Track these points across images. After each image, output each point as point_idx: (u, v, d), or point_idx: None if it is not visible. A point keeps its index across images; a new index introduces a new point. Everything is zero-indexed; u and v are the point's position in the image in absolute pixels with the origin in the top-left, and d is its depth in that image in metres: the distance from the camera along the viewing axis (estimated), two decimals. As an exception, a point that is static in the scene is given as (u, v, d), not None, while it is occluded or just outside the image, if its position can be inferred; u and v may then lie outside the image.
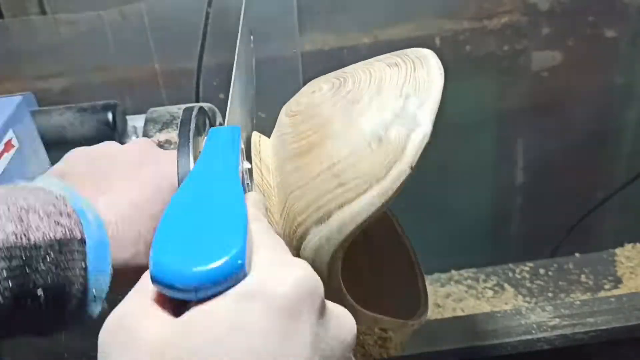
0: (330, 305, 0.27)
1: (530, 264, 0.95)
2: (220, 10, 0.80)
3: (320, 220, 0.38)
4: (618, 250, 0.94)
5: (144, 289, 0.26)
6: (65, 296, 0.34)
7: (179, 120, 0.44)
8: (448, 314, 0.83)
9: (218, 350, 0.22)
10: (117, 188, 0.38)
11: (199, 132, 0.45)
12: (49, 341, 0.40)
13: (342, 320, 0.28)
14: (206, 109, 0.51)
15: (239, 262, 0.24)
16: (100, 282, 0.35)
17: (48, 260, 0.32)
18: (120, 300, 0.27)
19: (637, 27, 0.88)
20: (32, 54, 0.79)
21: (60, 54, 0.80)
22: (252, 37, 0.48)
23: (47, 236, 0.32)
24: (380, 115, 0.37)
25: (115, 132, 0.60)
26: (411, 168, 0.36)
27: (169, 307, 0.25)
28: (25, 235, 0.32)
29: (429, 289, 0.82)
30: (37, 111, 0.60)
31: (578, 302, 0.69)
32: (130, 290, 0.35)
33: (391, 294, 0.52)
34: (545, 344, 0.64)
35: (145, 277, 0.26)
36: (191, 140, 0.42)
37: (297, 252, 0.41)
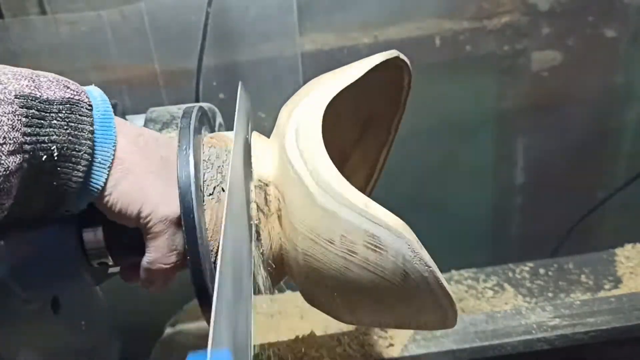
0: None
1: (530, 264, 0.95)
2: (220, 10, 0.80)
3: None
4: (618, 250, 0.93)
5: None
6: (75, 158, 0.36)
7: (179, 120, 0.44)
8: (448, 314, 0.83)
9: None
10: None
11: (199, 132, 0.45)
12: (46, 343, 0.40)
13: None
14: (206, 108, 0.51)
15: None
16: (105, 150, 0.38)
17: (60, 117, 0.35)
18: None
19: (637, 27, 0.88)
20: (32, 54, 0.79)
21: (60, 54, 0.80)
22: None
23: (58, 94, 0.36)
24: None
25: (115, 132, 0.60)
26: None
27: None
28: (38, 89, 0.35)
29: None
30: (37, 111, 0.60)
31: (578, 302, 0.69)
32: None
33: None
34: (545, 344, 0.64)
35: None
36: (191, 140, 0.42)
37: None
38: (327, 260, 0.39)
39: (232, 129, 0.45)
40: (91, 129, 0.37)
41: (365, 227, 0.37)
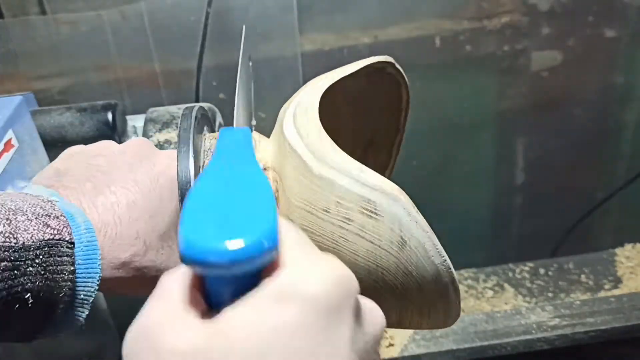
0: (362, 300, 0.27)
1: (530, 264, 0.95)
2: (220, 10, 0.80)
3: None
4: (618, 250, 0.94)
5: (167, 294, 0.24)
6: (53, 300, 0.33)
7: (178, 120, 0.44)
8: (448, 314, 0.83)
9: (258, 353, 0.21)
10: (115, 188, 0.38)
11: (199, 132, 0.45)
12: (46, 343, 0.40)
13: (375, 315, 0.28)
14: (206, 108, 0.51)
15: (273, 238, 0.23)
16: (88, 286, 0.35)
17: (37, 263, 0.31)
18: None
19: (637, 27, 0.88)
20: (32, 54, 0.79)
21: (60, 54, 0.80)
22: (250, 64, 0.49)
23: (36, 237, 0.32)
24: None
25: (115, 132, 0.60)
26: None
27: (196, 313, 0.23)
28: (13, 236, 0.31)
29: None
30: (37, 111, 0.60)
31: (578, 302, 0.69)
32: (135, 292, 0.35)
33: None
34: (545, 344, 0.64)
35: (166, 280, 0.25)
36: (191, 140, 0.42)
37: None
38: (324, 232, 0.39)
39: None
40: (72, 268, 0.33)
41: (361, 192, 0.36)
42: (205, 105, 0.57)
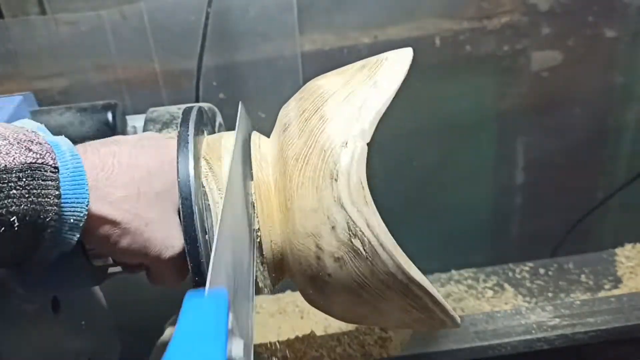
0: None
1: (530, 264, 0.95)
2: (220, 10, 0.80)
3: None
4: (618, 250, 0.93)
5: None
6: (40, 224, 0.34)
7: (178, 120, 0.44)
8: (448, 314, 0.83)
9: None
10: (120, 145, 0.40)
11: (199, 132, 0.45)
12: (46, 343, 0.40)
13: None
14: (206, 108, 0.51)
15: None
16: (77, 212, 0.36)
17: (20, 185, 0.32)
18: None
19: (637, 27, 0.88)
20: (32, 54, 0.79)
21: (60, 54, 0.80)
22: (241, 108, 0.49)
23: (18, 160, 0.33)
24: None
25: (115, 132, 0.60)
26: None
27: None
28: None
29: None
30: (37, 111, 0.60)
31: (578, 302, 0.69)
32: (119, 245, 0.38)
33: None
34: (545, 344, 0.64)
35: None
36: (191, 140, 0.42)
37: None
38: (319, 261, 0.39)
39: (232, 129, 0.45)
40: (57, 193, 0.34)
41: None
42: (205, 105, 0.57)
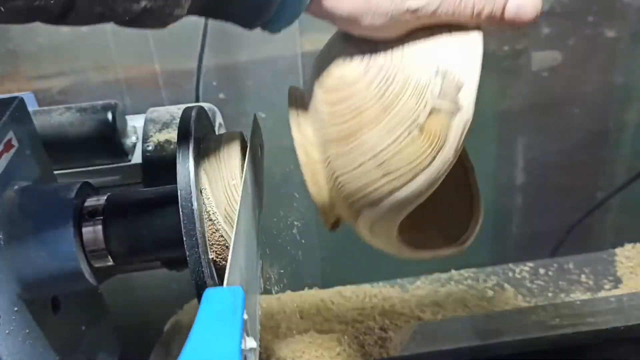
0: None
1: (530, 264, 0.94)
2: (220, 10, 0.80)
3: (371, 205, 0.39)
4: (618, 250, 0.93)
5: None
6: None
7: (178, 120, 0.44)
8: (448, 314, 0.83)
9: None
10: None
11: (199, 132, 0.45)
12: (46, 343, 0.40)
13: None
14: (206, 108, 0.51)
15: None
16: None
17: None
18: None
19: (637, 27, 0.88)
20: (32, 54, 0.79)
21: (60, 54, 0.80)
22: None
23: None
24: (417, 99, 0.35)
25: (115, 132, 0.60)
26: (455, 152, 0.35)
27: None
28: None
29: (429, 288, 0.82)
30: (37, 111, 0.60)
31: (578, 302, 0.69)
32: None
33: (444, 215, 0.52)
34: (545, 344, 0.64)
35: None
36: (191, 141, 0.42)
37: (355, 217, 0.41)
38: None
39: (232, 129, 0.45)
40: None
41: None
42: (206, 105, 0.57)
